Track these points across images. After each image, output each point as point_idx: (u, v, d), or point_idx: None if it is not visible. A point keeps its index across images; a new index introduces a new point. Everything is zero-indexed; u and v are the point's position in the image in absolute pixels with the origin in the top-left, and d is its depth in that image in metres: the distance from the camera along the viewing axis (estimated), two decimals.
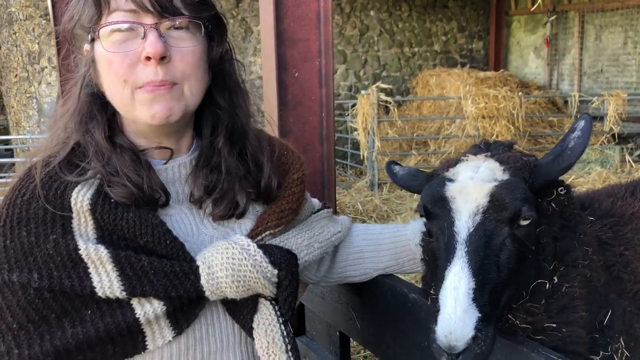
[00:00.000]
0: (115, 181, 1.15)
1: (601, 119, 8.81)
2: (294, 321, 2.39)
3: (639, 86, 9.89)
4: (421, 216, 1.46)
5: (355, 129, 8.43)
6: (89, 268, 1.09)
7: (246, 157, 1.35)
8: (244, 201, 1.32)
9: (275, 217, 1.34)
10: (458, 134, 8.72)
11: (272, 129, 2.24)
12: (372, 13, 10.94)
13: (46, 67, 9.69)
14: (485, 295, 1.22)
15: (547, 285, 1.34)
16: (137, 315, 1.11)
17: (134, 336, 1.13)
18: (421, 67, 11.54)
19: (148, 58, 1.11)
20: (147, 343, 1.14)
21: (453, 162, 1.46)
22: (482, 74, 10.08)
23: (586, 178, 7.23)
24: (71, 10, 1.20)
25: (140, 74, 1.13)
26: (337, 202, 7.68)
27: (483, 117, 8.25)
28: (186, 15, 1.16)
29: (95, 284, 1.08)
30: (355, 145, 8.99)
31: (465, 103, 8.43)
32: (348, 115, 9.53)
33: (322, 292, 2.06)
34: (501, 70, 10.87)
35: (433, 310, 1.29)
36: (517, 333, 1.36)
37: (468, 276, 1.21)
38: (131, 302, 1.12)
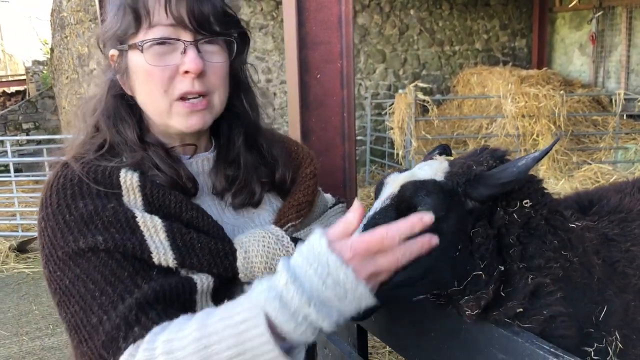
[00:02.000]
0: (152, 172, 1.25)
1: None
2: None
3: None
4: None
5: (391, 128, 8.46)
6: (144, 235, 1.15)
7: (261, 149, 1.47)
8: (260, 191, 1.43)
9: (295, 210, 1.43)
10: (498, 133, 8.63)
11: (295, 129, 2.35)
12: (412, 12, 10.92)
13: (94, 69, 10.10)
14: None
15: (484, 277, 1.40)
16: (195, 282, 1.18)
17: (189, 304, 1.17)
18: (462, 65, 11.43)
19: (187, 72, 1.23)
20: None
21: (428, 157, 1.60)
22: (524, 73, 9.91)
23: (629, 178, 7.04)
24: (109, 20, 1.30)
25: (178, 86, 1.25)
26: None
27: (523, 116, 8.13)
28: (220, 33, 1.28)
29: (152, 249, 1.15)
30: (393, 144, 9.02)
31: (505, 102, 8.34)
32: (386, 114, 9.57)
33: None
34: (544, 69, 10.66)
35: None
36: (491, 318, 1.44)
37: None
38: (181, 273, 1.18)
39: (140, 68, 1.25)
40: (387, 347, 3.45)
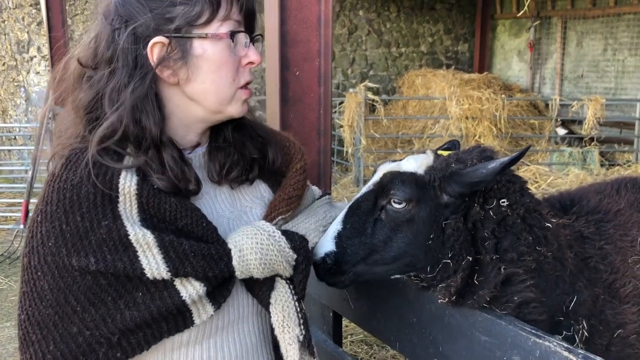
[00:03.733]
0: (158, 174, 1.27)
1: (580, 122, 9.10)
2: None
3: (617, 92, 10.20)
4: None
5: (341, 126, 8.60)
6: (137, 251, 1.20)
7: (248, 130, 1.54)
8: (253, 167, 1.52)
9: (285, 204, 1.50)
10: (442, 133, 8.94)
11: (273, 123, 2.41)
12: (360, 13, 11.12)
13: (35, 56, 9.70)
14: (349, 241, 1.57)
15: (452, 265, 1.53)
16: (183, 297, 1.25)
17: (184, 315, 1.27)
18: (407, 67, 11.75)
19: (251, 63, 1.38)
20: (194, 319, 1.28)
21: (421, 152, 1.74)
22: (466, 76, 10.32)
23: (564, 179, 7.49)
24: (181, 6, 1.26)
25: (243, 75, 1.38)
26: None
27: (466, 117, 8.48)
28: (260, 34, 1.43)
29: (144, 265, 1.20)
30: (342, 142, 9.17)
31: (450, 104, 8.66)
32: (335, 112, 9.71)
33: None
34: (485, 73, 11.13)
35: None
36: (466, 305, 1.56)
37: (339, 222, 1.58)
38: (175, 284, 1.24)
39: (214, 57, 1.31)
40: (351, 335, 3.56)
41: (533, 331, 1.40)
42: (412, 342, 1.76)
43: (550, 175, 7.71)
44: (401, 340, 1.81)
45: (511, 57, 12.13)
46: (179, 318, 1.27)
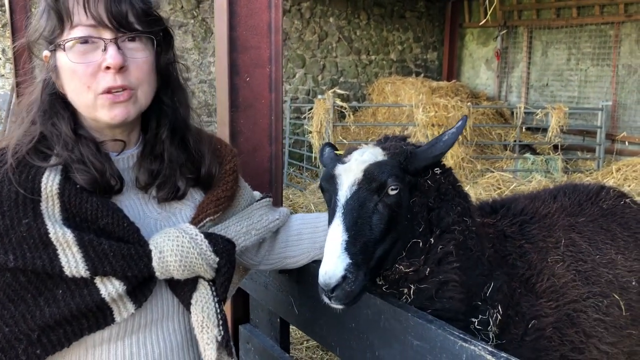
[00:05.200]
0: (80, 168, 1.30)
1: (544, 130, 9.29)
2: (240, 309, 2.55)
3: (581, 101, 10.44)
4: (322, 191, 1.80)
5: (310, 132, 8.63)
6: (57, 250, 1.22)
7: (188, 145, 1.53)
8: (184, 186, 1.51)
9: (214, 205, 1.52)
10: (410, 140, 9.01)
11: (223, 129, 2.41)
12: (331, 20, 11.18)
13: (0, 58, 9.52)
14: (358, 247, 1.55)
15: (421, 244, 1.64)
16: (102, 295, 1.27)
17: (104, 312, 1.29)
18: (377, 74, 11.85)
19: (108, 67, 1.30)
20: (115, 317, 1.31)
21: (352, 149, 1.78)
22: (435, 84, 10.44)
23: (527, 186, 7.62)
24: (35, 23, 1.36)
25: (101, 81, 1.31)
26: (292, 203, 7.85)
27: (433, 125, 8.58)
28: (140, 31, 1.34)
29: (63, 263, 1.22)
30: (312, 148, 9.19)
31: (417, 111, 8.75)
32: (305, 118, 9.73)
33: (265, 281, 2.23)
34: (453, 81, 11.29)
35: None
36: (408, 280, 1.67)
37: (342, 231, 1.55)
38: (95, 282, 1.27)
39: (65, 66, 1.32)
40: (305, 342, 3.56)
41: (461, 335, 1.43)
42: (351, 347, 1.78)
43: (513, 181, 7.83)
44: (341, 345, 1.83)
45: (479, 65, 12.32)
46: (99, 315, 1.29)
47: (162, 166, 1.47)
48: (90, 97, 1.32)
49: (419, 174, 1.70)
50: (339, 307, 1.59)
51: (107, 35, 1.30)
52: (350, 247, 1.54)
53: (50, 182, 1.26)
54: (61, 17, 1.29)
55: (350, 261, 1.53)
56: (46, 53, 1.37)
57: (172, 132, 1.50)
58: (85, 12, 1.28)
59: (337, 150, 1.90)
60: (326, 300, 1.57)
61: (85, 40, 1.29)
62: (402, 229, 1.67)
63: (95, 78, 1.30)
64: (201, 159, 1.54)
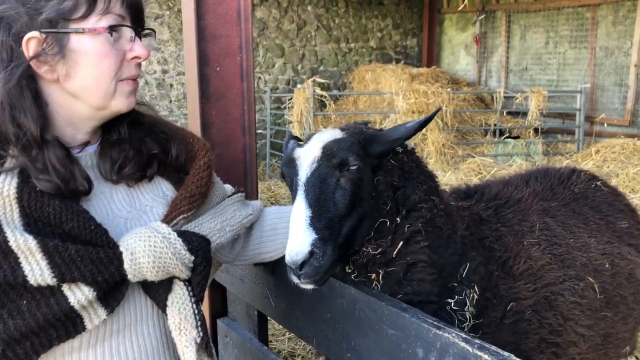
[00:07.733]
0: (42, 175, 1.22)
1: (524, 114, 9.34)
2: (217, 303, 2.52)
3: (559, 84, 10.50)
4: (283, 178, 1.78)
5: (291, 122, 8.58)
6: (19, 258, 1.15)
7: (151, 127, 1.50)
8: (152, 163, 1.46)
9: (187, 202, 1.45)
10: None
11: (194, 121, 2.36)
12: (309, 8, 11.09)
13: None
14: (323, 222, 1.53)
15: (388, 224, 1.63)
16: (71, 303, 1.20)
17: (73, 320, 1.23)
18: (357, 62, 11.79)
19: (135, 57, 1.35)
20: (85, 324, 1.24)
21: (312, 134, 1.78)
22: (415, 70, 10.43)
23: (508, 170, 7.65)
24: (35, 2, 1.22)
25: (125, 70, 1.35)
26: (273, 194, 7.80)
27: (413, 112, 8.57)
28: (151, 29, 1.44)
29: (27, 272, 1.15)
30: None
31: (397, 98, 8.73)
32: (285, 108, 9.67)
33: (241, 274, 2.20)
34: (433, 67, 11.27)
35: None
36: (376, 264, 1.66)
37: (305, 208, 1.54)
38: (62, 289, 1.20)
39: (94, 51, 1.28)
40: (287, 334, 3.54)
41: (435, 323, 1.42)
42: (327, 338, 1.76)
43: (494, 166, 7.86)
44: (317, 336, 1.81)
45: (458, 51, 12.33)
46: (68, 324, 1.23)
47: (122, 147, 1.42)
48: (113, 84, 1.33)
49: (380, 157, 1.69)
50: (310, 286, 1.56)
51: (130, 27, 1.34)
52: (315, 222, 1.52)
53: (6, 186, 1.18)
54: (95, 1, 1.26)
55: (317, 236, 1.50)
56: (35, 34, 1.22)
57: (130, 116, 1.45)
58: (123, 2, 1.31)
59: (302, 142, 1.87)
60: (295, 280, 1.54)
61: (114, 29, 1.29)
62: (368, 207, 1.65)
63: (122, 66, 1.34)
64: (166, 138, 1.50)
